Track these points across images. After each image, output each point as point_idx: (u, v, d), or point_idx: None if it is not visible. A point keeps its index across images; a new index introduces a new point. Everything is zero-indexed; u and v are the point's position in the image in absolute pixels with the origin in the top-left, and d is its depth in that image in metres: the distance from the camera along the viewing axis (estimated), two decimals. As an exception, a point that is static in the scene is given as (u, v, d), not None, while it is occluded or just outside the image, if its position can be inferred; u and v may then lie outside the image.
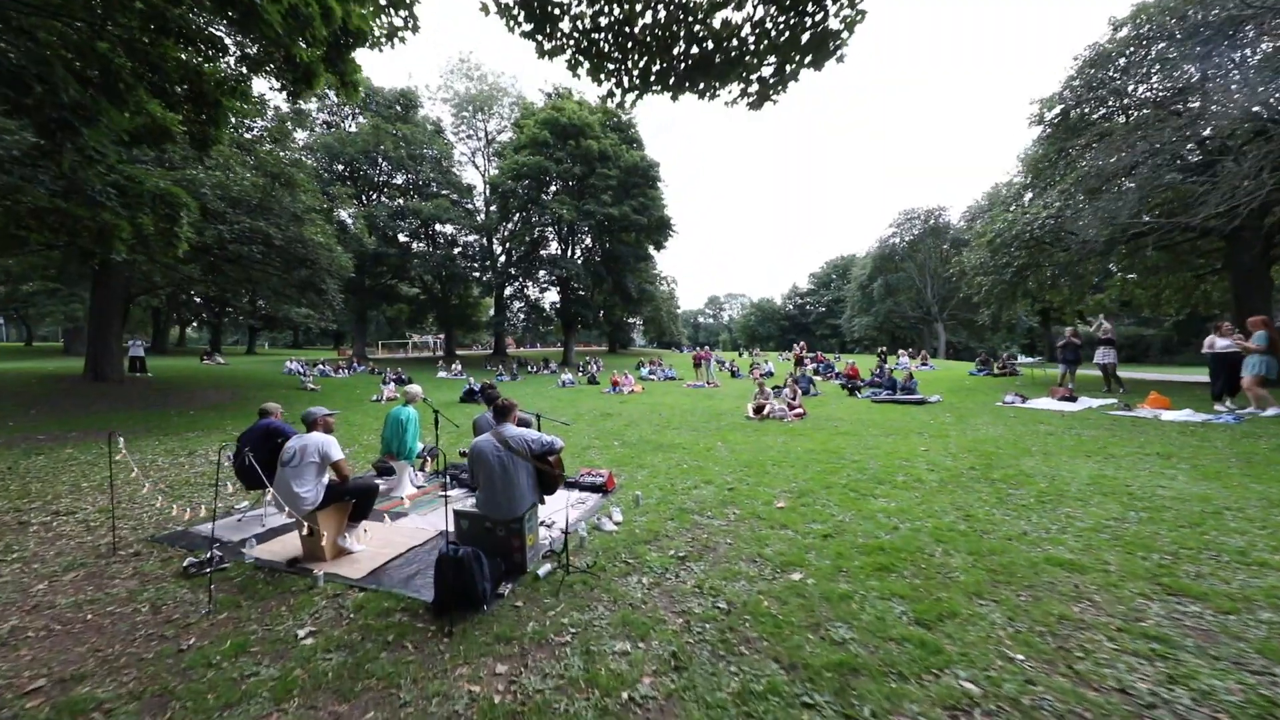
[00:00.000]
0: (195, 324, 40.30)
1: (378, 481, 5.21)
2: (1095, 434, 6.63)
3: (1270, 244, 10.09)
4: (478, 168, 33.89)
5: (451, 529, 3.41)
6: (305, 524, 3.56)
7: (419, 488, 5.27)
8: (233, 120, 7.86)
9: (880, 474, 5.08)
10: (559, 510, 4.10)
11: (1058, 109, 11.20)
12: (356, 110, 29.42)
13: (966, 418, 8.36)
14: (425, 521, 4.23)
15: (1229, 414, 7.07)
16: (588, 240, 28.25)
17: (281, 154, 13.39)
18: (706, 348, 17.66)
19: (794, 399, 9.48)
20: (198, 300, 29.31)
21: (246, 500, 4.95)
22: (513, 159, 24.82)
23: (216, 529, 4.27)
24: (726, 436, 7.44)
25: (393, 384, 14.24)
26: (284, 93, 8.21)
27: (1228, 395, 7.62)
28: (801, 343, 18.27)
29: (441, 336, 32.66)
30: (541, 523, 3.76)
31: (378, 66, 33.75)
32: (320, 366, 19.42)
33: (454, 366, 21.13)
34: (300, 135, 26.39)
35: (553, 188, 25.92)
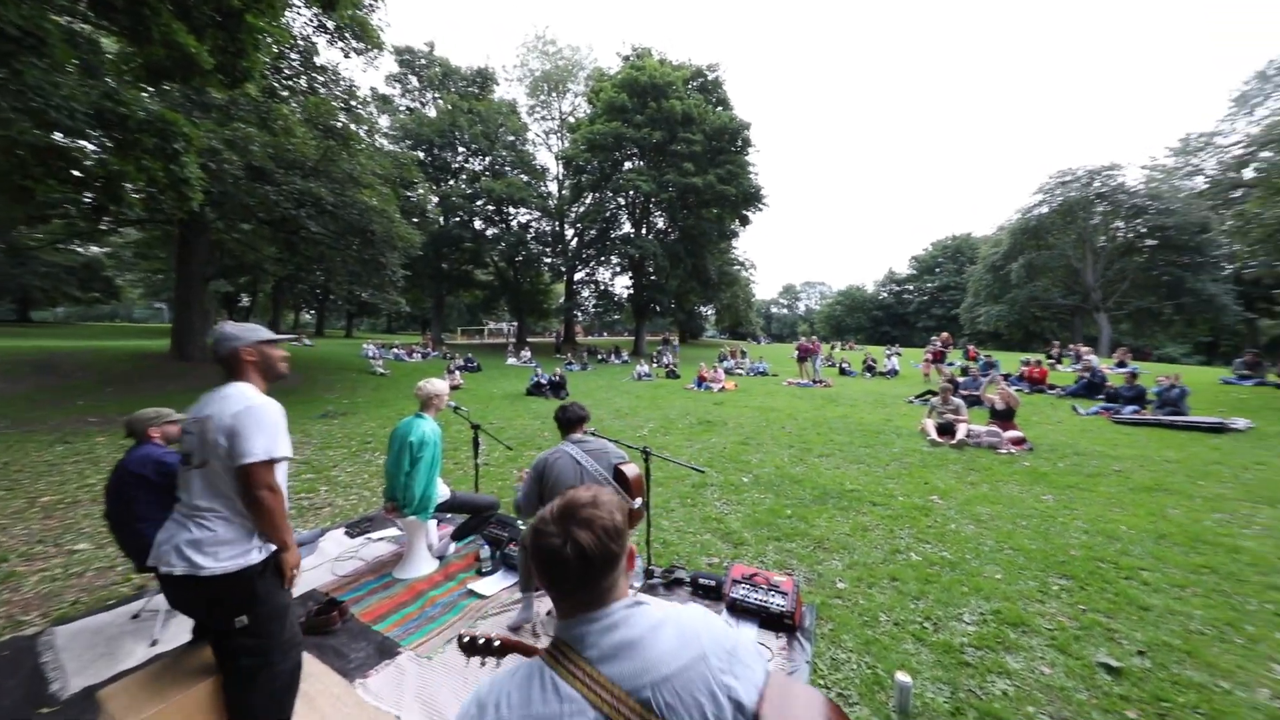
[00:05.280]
0: (308, 309, 44.01)
1: (376, 542, 3.03)
2: None
3: None
4: (550, 150, 32.67)
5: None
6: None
7: (439, 559, 3.11)
8: (264, 46, 6.29)
9: None
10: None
11: None
12: (436, 95, 29.35)
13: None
14: (437, 686, 1.96)
15: None
16: (660, 222, 25.70)
17: (352, 125, 12.37)
18: (815, 339, 14.35)
19: (1006, 410, 6.22)
20: (302, 286, 31.31)
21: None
22: (586, 129, 22.77)
23: (76, 637, 2.37)
24: (929, 480, 4.54)
25: (457, 373, 12.87)
26: (316, 6, 6.57)
27: None
28: (944, 334, 14.23)
29: (515, 324, 32.24)
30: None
31: (455, 46, 33.67)
32: (395, 350, 18.98)
33: (523, 354, 19.84)
34: (384, 121, 26.76)
35: (627, 165, 23.61)
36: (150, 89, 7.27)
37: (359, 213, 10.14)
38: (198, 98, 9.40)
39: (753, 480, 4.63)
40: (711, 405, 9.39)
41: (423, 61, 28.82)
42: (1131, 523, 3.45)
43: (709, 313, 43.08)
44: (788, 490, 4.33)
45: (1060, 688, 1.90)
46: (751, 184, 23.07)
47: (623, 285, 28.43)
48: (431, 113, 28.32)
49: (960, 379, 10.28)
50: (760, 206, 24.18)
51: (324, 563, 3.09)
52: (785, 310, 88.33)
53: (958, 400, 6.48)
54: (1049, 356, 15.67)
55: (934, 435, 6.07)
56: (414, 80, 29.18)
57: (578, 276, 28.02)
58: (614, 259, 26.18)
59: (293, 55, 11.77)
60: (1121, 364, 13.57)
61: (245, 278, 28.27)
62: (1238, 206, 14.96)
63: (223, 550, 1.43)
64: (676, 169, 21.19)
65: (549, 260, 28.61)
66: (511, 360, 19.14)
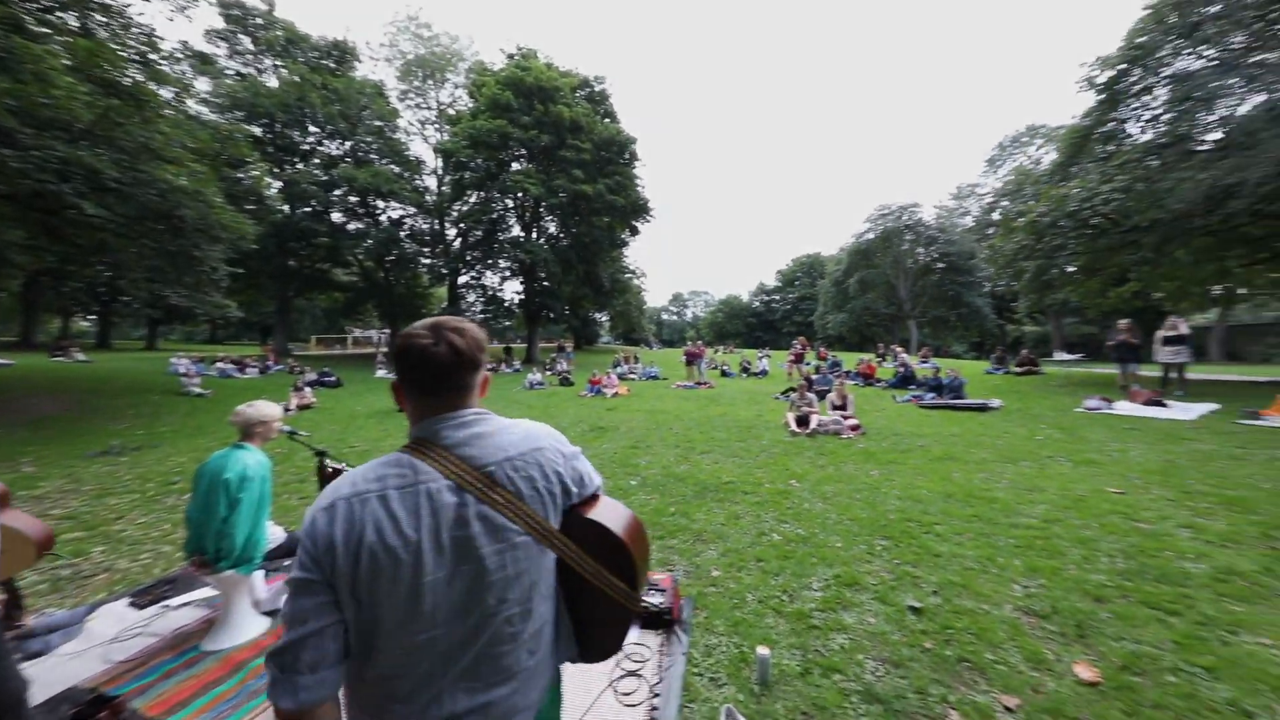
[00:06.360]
0: (85, 314, 33.36)
1: (185, 602, 2.38)
2: (1281, 456, 4.92)
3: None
4: (427, 141, 29.98)
5: None
6: None
7: (269, 615, 2.59)
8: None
9: (1152, 565, 2.94)
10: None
11: (1113, 71, 9.83)
12: (277, 62, 24.96)
13: (1074, 431, 6.55)
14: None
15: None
16: (552, 227, 25.31)
17: (151, 83, 9.78)
18: (700, 343, 15.45)
19: (843, 403, 7.38)
20: (75, 284, 23.72)
21: None
22: (468, 123, 21.43)
23: None
24: (789, 466, 5.17)
25: (308, 390, 10.96)
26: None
27: None
28: (801, 338, 16.45)
29: (388, 331, 28.63)
30: None
31: (304, 14, 29.09)
32: (219, 365, 15.44)
33: (397, 364, 17.73)
34: (203, 85, 21.87)
35: (514, 165, 22.78)
36: None
37: (160, 194, 8.03)
38: None
39: (640, 483, 4.76)
40: (604, 411, 9.47)
41: (259, 21, 24.27)
42: (930, 487, 4.35)
43: (604, 319, 43.56)
44: (672, 488, 4.54)
45: (881, 633, 2.28)
46: (639, 196, 23.99)
47: (513, 290, 27.21)
48: (272, 82, 23.95)
49: (814, 377, 11.94)
50: (648, 218, 25.26)
51: (92, 647, 2.36)
52: (675, 317, 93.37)
53: (811, 395, 7.51)
54: (877, 355, 19.10)
55: (794, 426, 6.93)
56: (246, 41, 24.39)
57: (462, 280, 26.04)
58: (503, 262, 24.94)
59: (50, -19, 8.98)
60: (925, 360, 17.07)
61: (-30, 270, 20.61)
62: (990, 240, 20.08)
63: None
64: (566, 175, 21.07)
65: (428, 261, 26.12)
66: (382, 372, 17.00)
